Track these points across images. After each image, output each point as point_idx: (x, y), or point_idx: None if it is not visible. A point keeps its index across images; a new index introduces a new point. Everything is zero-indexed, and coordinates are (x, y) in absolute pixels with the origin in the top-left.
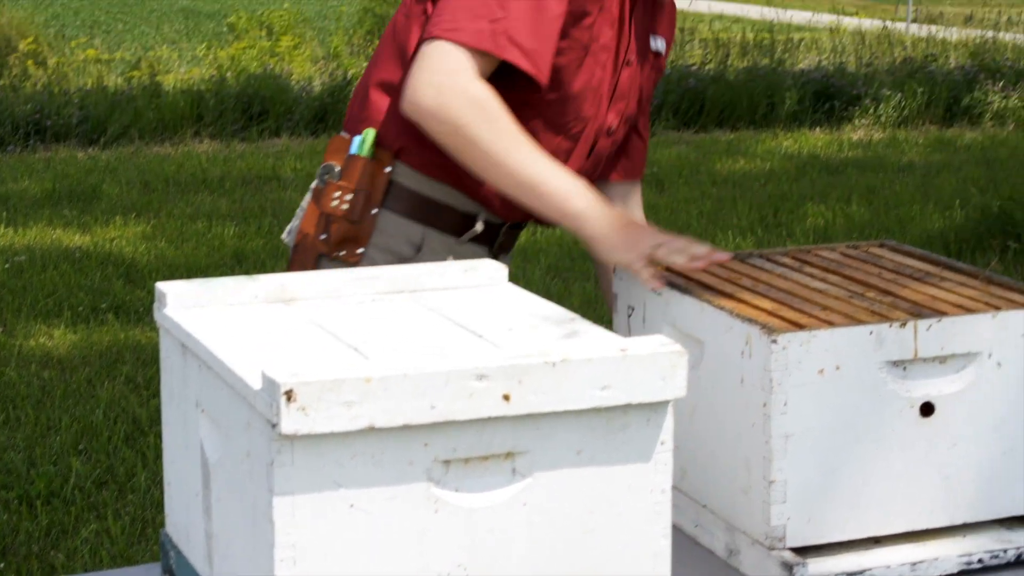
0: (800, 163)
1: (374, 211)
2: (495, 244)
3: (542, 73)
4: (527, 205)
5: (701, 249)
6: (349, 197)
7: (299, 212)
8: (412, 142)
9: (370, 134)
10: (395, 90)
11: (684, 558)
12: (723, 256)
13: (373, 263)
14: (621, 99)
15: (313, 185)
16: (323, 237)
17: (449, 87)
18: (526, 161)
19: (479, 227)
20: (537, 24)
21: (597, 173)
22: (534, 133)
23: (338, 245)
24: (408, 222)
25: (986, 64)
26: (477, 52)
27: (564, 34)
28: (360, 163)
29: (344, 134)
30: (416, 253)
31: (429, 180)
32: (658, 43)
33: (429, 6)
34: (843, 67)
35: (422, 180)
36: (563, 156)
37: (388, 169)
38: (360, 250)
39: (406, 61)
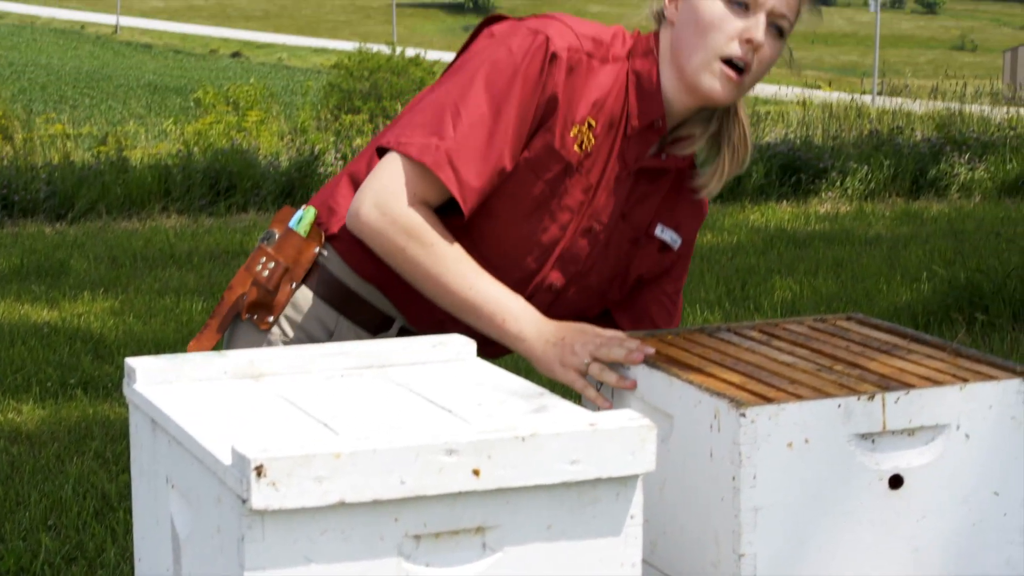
0: (767, 236)
1: (292, 285)
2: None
3: (466, 203)
4: (469, 324)
5: (633, 343)
6: (272, 266)
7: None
8: (348, 234)
9: (310, 213)
10: (355, 183)
11: None
12: (650, 350)
13: (284, 336)
14: (571, 263)
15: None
16: (242, 296)
17: (390, 210)
18: (463, 284)
19: (393, 332)
20: (481, 157)
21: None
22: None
23: (250, 308)
24: (325, 306)
25: (952, 136)
26: (421, 166)
27: (516, 179)
28: (293, 238)
29: (300, 207)
30: (328, 337)
31: (355, 275)
32: (666, 234)
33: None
34: (810, 140)
35: (348, 272)
36: None
37: (317, 250)
38: (271, 318)
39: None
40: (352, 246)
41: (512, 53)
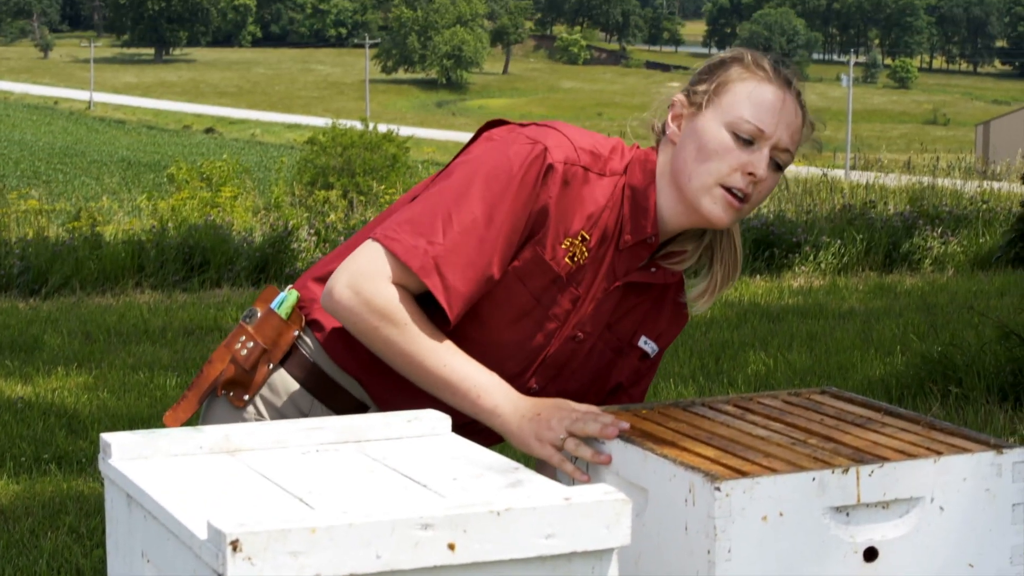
0: (741, 311)
1: (269, 366)
2: None
3: (452, 311)
4: (445, 401)
5: (608, 418)
6: (251, 345)
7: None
8: (329, 321)
9: (292, 296)
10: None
11: None
12: (624, 425)
13: (258, 415)
14: (552, 368)
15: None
16: (221, 372)
17: (363, 290)
18: (437, 362)
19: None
20: (470, 265)
21: None
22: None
23: (227, 385)
24: (301, 390)
25: (925, 210)
26: (405, 266)
27: (504, 287)
28: (274, 319)
29: (285, 287)
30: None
31: (332, 362)
32: (648, 345)
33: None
34: (783, 215)
35: (325, 359)
36: None
37: (296, 334)
38: (246, 397)
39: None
40: (332, 333)
41: (509, 160)
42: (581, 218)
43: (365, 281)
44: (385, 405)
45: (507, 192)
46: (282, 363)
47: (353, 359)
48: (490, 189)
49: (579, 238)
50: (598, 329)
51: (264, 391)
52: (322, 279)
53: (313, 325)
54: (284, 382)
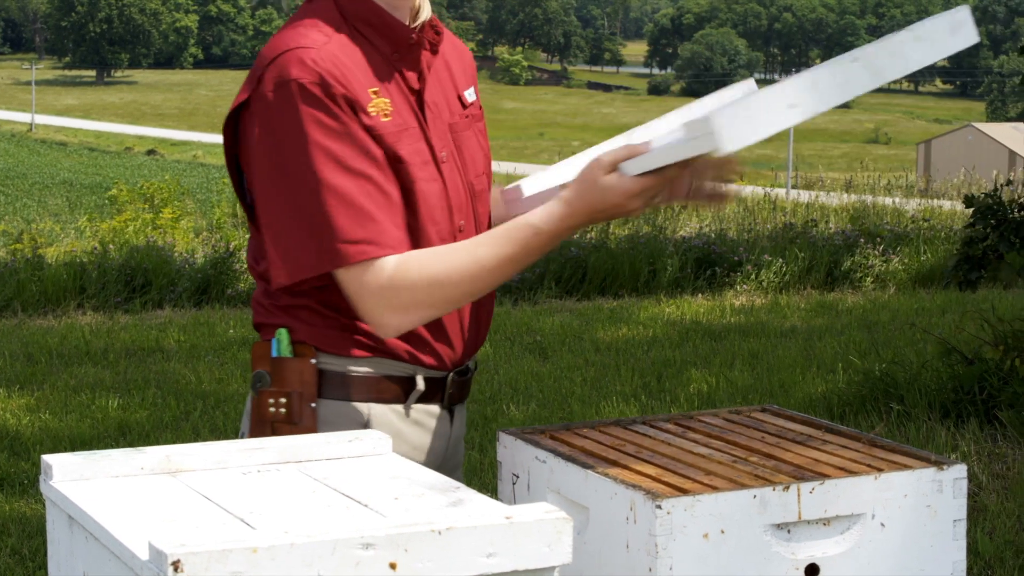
0: (683, 329)
1: (312, 405)
2: (445, 397)
3: (403, 246)
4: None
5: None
6: (284, 400)
7: (243, 427)
8: (328, 332)
9: (283, 334)
10: (289, 289)
11: None
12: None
13: None
14: (458, 193)
15: (249, 398)
16: None
17: (395, 305)
18: (485, 265)
19: (421, 386)
20: (377, 207)
21: None
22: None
23: None
24: (349, 405)
25: (866, 228)
26: (350, 266)
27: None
28: (285, 364)
29: (259, 341)
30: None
31: (355, 360)
32: (468, 94)
33: (248, 217)
34: (724, 234)
35: (349, 361)
36: None
37: (314, 361)
38: None
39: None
40: (338, 341)
41: (294, 118)
42: (358, 85)
43: (380, 293)
44: (425, 361)
45: (330, 139)
46: (320, 395)
47: (371, 343)
48: (322, 150)
49: (372, 96)
50: (447, 132)
51: (321, 429)
52: (270, 291)
53: (320, 346)
54: (332, 409)
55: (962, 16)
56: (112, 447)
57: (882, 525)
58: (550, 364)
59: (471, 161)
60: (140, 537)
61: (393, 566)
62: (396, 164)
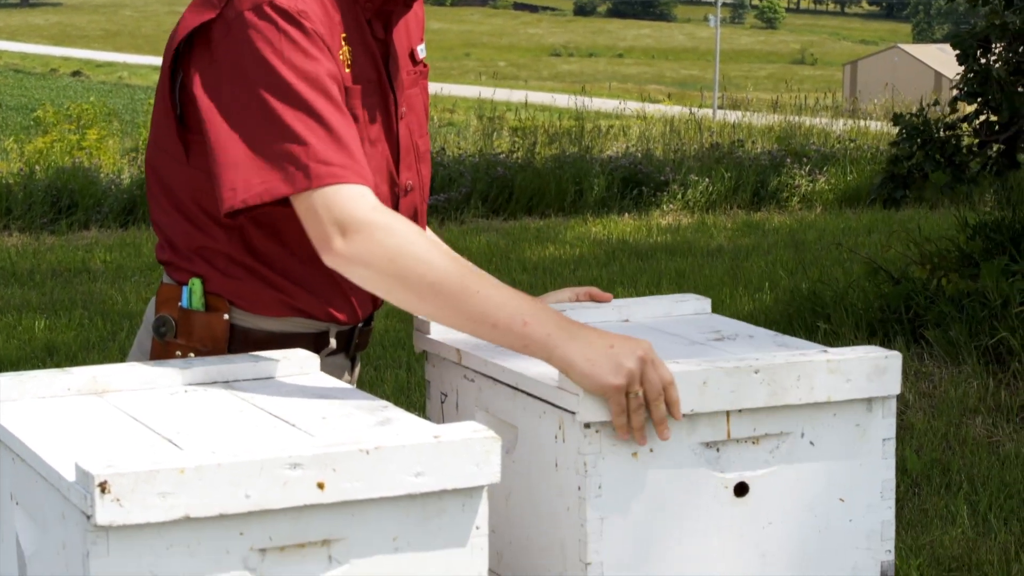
0: (609, 249)
1: None
2: (351, 348)
3: (368, 179)
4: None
5: (674, 393)
6: (192, 356)
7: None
8: (246, 287)
9: (196, 285)
10: (200, 231)
11: None
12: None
13: None
14: (408, 152)
15: (151, 337)
16: None
17: (351, 228)
18: (465, 282)
19: (333, 343)
20: (342, 133)
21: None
22: None
23: None
24: None
25: (792, 148)
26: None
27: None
28: (195, 318)
29: (167, 279)
30: None
31: (269, 318)
32: (420, 49)
33: (179, 148)
34: (651, 154)
35: (262, 319)
36: None
37: (226, 316)
38: None
39: (182, 208)
40: (252, 296)
41: (278, 40)
42: (329, 35)
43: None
44: (338, 317)
45: (309, 62)
46: (230, 351)
47: (286, 300)
48: (302, 74)
49: (343, 44)
50: (399, 82)
51: None
52: (174, 240)
53: (234, 301)
54: None
55: None
56: (39, 368)
57: (811, 444)
58: None
59: (416, 121)
60: (67, 458)
61: (321, 486)
62: (356, 104)
